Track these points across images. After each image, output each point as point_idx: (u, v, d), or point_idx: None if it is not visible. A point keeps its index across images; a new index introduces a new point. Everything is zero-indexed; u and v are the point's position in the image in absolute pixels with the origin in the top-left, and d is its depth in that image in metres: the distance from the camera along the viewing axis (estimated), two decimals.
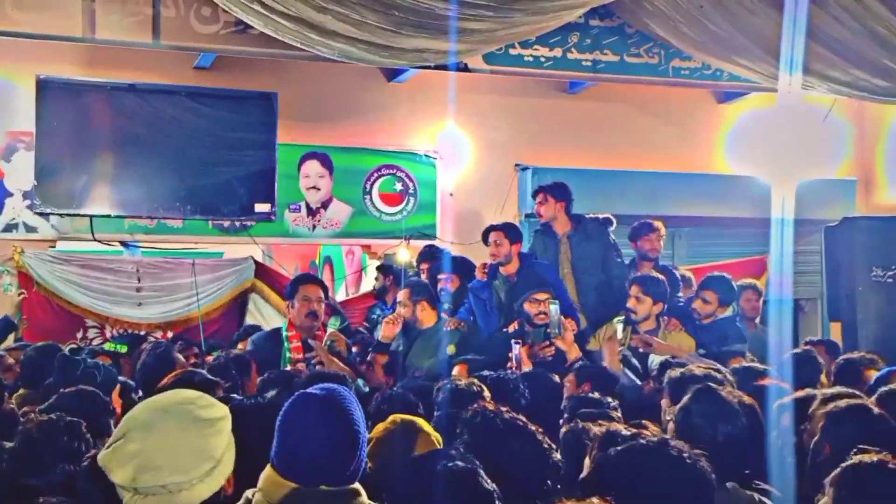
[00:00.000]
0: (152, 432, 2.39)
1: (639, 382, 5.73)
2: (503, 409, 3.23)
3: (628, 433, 2.84)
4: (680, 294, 6.86)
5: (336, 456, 2.46)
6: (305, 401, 2.54)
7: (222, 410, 2.51)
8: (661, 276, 6.37)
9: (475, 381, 4.32)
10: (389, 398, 4.00)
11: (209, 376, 4.02)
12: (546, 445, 3.08)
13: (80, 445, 3.27)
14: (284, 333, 5.69)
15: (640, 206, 8.56)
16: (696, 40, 7.69)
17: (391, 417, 3.45)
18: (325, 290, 5.90)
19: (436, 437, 3.34)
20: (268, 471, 2.48)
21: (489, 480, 2.66)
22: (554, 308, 5.61)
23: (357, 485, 2.49)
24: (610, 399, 4.16)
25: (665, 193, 9.12)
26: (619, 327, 6.72)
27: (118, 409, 4.10)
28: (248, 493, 2.48)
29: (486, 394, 4.15)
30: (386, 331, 5.96)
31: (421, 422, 3.41)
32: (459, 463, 2.70)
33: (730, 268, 7.87)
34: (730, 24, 7.20)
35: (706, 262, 8.54)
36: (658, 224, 7.05)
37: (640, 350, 5.95)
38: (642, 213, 7.75)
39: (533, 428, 3.11)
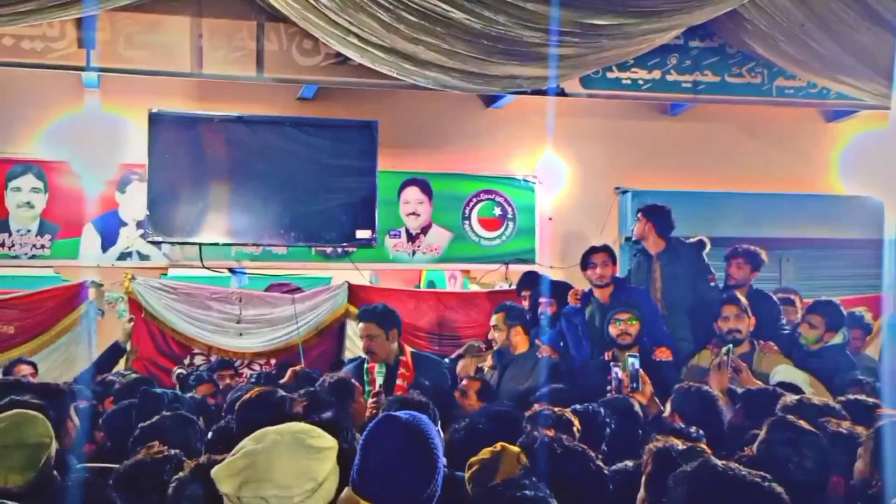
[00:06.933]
0: (263, 451, 2.49)
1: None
2: (562, 436, 3.33)
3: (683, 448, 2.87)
4: (783, 320, 6.65)
5: (415, 481, 2.52)
6: (391, 423, 2.61)
7: (331, 442, 2.58)
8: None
9: (566, 412, 4.31)
10: (467, 426, 4.00)
11: (285, 394, 4.18)
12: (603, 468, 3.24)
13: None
14: (365, 365, 5.63)
15: (743, 229, 8.40)
16: (799, 59, 7.52)
17: (498, 444, 3.47)
18: (386, 325, 5.64)
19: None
20: (347, 492, 2.54)
21: None
22: (632, 361, 5.27)
23: None
24: (694, 429, 4.10)
25: (770, 215, 8.92)
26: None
27: None
28: None
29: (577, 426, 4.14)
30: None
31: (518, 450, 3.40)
32: (528, 492, 2.76)
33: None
34: (833, 42, 7.02)
35: (813, 285, 8.25)
36: (745, 248, 6.80)
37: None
38: (746, 237, 7.55)
39: (591, 453, 3.24)
